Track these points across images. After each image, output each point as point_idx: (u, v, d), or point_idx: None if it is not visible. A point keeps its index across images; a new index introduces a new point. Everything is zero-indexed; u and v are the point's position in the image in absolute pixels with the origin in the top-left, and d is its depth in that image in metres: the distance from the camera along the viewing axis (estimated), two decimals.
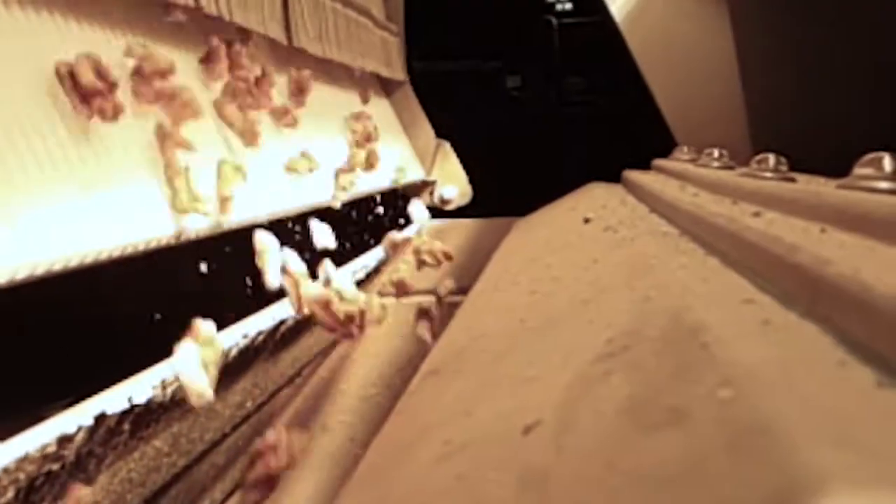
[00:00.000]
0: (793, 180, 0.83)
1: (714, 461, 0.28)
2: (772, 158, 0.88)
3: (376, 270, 1.58)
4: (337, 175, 1.35)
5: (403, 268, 1.51)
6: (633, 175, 1.55)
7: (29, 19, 0.71)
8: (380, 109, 1.93)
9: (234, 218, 0.93)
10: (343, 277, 1.10)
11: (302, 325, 1.13)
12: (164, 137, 0.81)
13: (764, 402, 0.30)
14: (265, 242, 0.97)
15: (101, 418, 0.68)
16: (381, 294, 1.53)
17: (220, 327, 0.89)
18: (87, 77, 0.70)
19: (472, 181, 2.19)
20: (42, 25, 0.72)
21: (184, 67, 0.92)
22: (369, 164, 1.53)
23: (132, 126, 0.78)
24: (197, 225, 0.84)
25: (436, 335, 1.08)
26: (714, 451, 0.29)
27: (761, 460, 0.27)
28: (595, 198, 1.54)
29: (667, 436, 0.32)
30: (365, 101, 1.75)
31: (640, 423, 0.34)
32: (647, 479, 0.30)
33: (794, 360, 0.35)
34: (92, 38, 0.78)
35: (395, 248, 1.56)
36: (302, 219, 1.24)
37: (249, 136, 1.01)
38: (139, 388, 0.74)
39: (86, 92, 0.71)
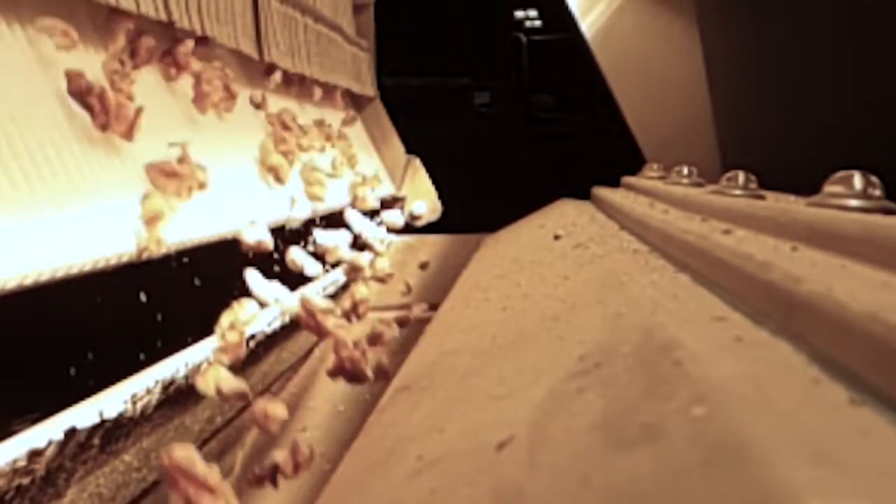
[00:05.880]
0: (762, 198, 0.84)
1: (688, 478, 0.28)
2: (741, 176, 0.88)
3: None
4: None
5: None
6: (602, 192, 1.55)
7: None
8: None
9: (214, 230, 0.93)
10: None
11: (271, 340, 1.12)
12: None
13: (738, 419, 0.31)
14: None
15: (71, 433, 0.67)
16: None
17: (189, 342, 0.88)
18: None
19: (441, 197, 2.19)
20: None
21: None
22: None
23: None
24: (174, 237, 0.84)
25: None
26: (688, 468, 0.29)
27: (736, 477, 0.27)
28: (564, 215, 1.54)
29: (641, 452, 0.32)
30: None
31: (614, 440, 0.34)
32: (622, 495, 0.30)
33: (767, 377, 0.35)
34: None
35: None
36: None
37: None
38: (110, 402, 0.73)
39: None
